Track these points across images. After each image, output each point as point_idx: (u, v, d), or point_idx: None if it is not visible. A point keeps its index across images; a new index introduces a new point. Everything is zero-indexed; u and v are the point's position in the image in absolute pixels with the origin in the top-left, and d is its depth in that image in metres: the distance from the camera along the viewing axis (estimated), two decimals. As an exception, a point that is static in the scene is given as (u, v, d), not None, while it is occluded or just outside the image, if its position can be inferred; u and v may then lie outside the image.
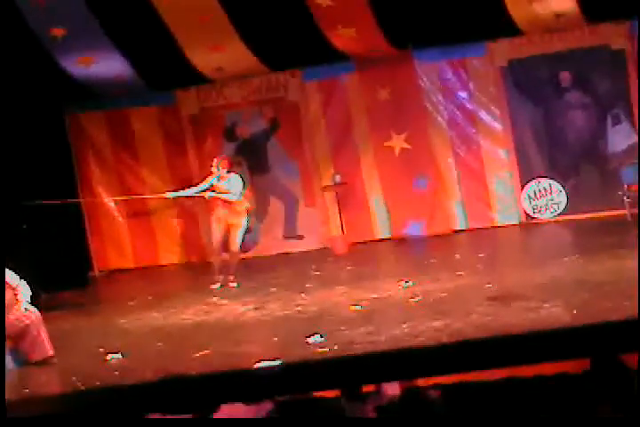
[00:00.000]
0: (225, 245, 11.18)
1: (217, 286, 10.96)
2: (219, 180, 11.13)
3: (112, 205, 14.04)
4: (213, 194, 11.08)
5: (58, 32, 12.00)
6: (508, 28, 12.62)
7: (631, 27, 12.72)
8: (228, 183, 11.09)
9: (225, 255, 11.27)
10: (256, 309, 9.48)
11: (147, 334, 8.96)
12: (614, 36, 12.85)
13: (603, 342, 4.94)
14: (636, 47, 12.49)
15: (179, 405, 4.47)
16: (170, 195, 11.83)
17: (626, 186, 12.60)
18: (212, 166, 11.24)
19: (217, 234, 11.19)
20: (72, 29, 11.99)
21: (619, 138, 12.98)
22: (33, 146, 12.57)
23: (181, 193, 11.57)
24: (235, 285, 10.95)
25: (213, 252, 11.40)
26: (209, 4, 11.83)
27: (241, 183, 11.20)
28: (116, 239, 14.03)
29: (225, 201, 11.04)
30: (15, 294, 8.11)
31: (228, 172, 11.18)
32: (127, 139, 14.11)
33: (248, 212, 11.29)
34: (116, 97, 13.74)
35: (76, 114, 14.11)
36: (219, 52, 12.82)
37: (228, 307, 9.77)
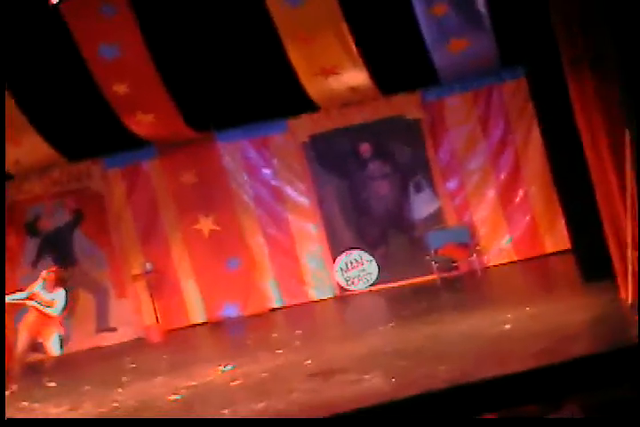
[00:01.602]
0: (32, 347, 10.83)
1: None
2: (43, 289, 10.83)
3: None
4: (36, 304, 10.74)
5: None
6: (306, 104, 12.86)
7: (423, 96, 13.17)
8: (54, 297, 10.83)
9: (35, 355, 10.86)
10: (70, 410, 9.06)
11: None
12: (408, 106, 13.28)
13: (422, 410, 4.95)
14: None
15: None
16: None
17: (433, 251, 12.90)
18: (40, 276, 10.96)
19: (23, 340, 10.80)
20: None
21: (422, 204, 13.32)
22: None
23: (7, 298, 11.04)
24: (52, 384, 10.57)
25: (17, 358, 10.90)
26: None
27: (64, 300, 10.90)
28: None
29: (42, 313, 10.75)
30: None
31: (56, 286, 10.89)
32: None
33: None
34: None
35: None
36: (15, 147, 12.47)
37: (41, 411, 9.29)
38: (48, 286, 10.88)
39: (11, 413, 9.35)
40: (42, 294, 10.83)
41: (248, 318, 13.02)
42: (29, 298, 10.82)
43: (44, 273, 11.04)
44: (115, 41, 11.41)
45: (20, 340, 10.87)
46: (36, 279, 11.06)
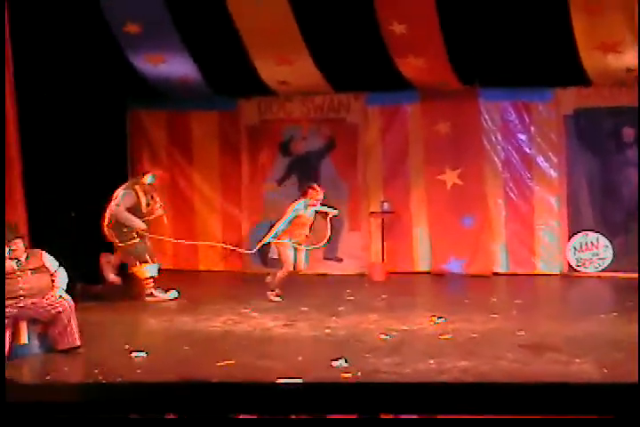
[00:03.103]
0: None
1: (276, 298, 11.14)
2: (305, 209, 11.30)
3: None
4: (317, 208, 11.38)
5: (132, 28, 12.18)
6: (578, 76, 12.61)
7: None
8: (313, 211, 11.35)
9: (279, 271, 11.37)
10: (285, 325, 9.54)
11: (174, 336, 9.04)
12: (683, 98, 12.81)
13: (629, 402, 4.91)
14: None
15: (195, 410, 4.51)
16: (269, 239, 11.54)
17: (673, 249, 12.54)
18: (309, 197, 11.44)
19: (290, 253, 11.24)
20: (146, 27, 12.15)
21: (673, 201, 12.91)
22: (92, 137, 12.70)
23: (281, 227, 11.40)
24: (278, 298, 11.12)
25: (285, 268, 11.34)
26: (284, 16, 11.87)
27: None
28: (158, 239, 14.09)
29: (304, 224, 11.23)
30: (52, 280, 8.25)
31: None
32: (184, 141, 14.26)
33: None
34: (179, 98, 13.89)
35: (137, 111, 14.30)
36: (286, 66, 12.91)
37: (258, 320, 9.83)
38: (310, 203, 11.31)
39: (229, 317, 9.95)
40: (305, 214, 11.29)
41: (470, 277, 13.10)
42: (298, 216, 11.26)
43: (309, 191, 11.45)
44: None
45: (289, 253, 11.26)
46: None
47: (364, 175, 13.81)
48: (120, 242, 11.39)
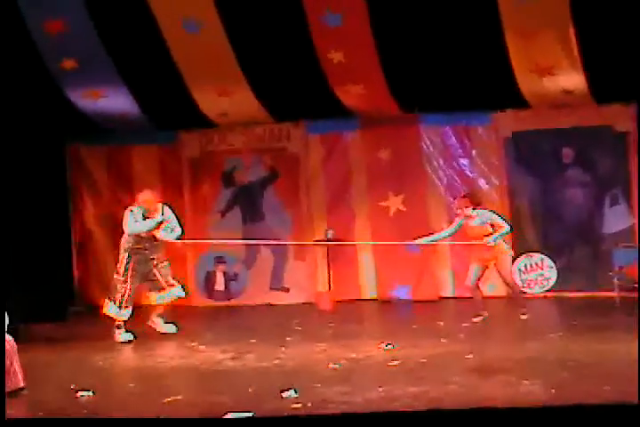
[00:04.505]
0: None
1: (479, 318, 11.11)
2: (465, 220, 11.20)
3: (100, 239, 14.06)
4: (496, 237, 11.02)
5: (68, 64, 12.11)
6: (515, 99, 12.76)
7: (637, 110, 12.87)
8: (481, 219, 11.13)
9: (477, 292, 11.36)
10: (233, 358, 9.45)
11: (120, 373, 8.92)
12: (619, 117, 13.00)
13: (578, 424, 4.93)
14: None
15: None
16: (422, 241, 11.59)
17: (617, 268, 12.67)
18: (455, 208, 11.44)
19: (475, 273, 11.23)
20: (83, 62, 12.09)
21: (615, 219, 13.07)
22: (31, 173, 12.61)
23: (435, 237, 11.54)
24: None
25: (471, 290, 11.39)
26: (221, 48, 11.93)
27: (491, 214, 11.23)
28: (101, 275, 13.98)
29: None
30: None
31: (474, 209, 11.18)
32: (125, 175, 14.18)
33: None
34: (119, 133, 13.82)
35: (77, 146, 14.21)
36: (225, 97, 12.93)
37: (206, 354, 9.73)
38: (467, 214, 11.14)
39: (177, 351, 9.85)
40: (470, 224, 11.15)
41: (417, 303, 13.13)
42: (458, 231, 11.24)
43: (457, 203, 11.46)
44: (340, 10, 11.59)
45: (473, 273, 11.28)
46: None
47: (308, 204, 13.81)
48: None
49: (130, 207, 11.11)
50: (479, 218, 11.08)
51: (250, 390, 7.89)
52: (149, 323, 11.25)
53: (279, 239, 12.03)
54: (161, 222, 10.92)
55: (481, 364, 8.55)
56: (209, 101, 13.07)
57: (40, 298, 11.58)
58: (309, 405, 7.16)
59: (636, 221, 13.00)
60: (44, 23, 11.56)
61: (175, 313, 13.20)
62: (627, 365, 8.08)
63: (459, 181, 13.54)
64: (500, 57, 11.78)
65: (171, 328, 11.25)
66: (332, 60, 12.18)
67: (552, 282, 13.10)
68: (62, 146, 14.09)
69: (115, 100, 12.82)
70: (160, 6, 11.43)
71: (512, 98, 12.69)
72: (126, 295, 10.97)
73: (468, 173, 13.53)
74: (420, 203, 13.53)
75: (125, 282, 10.92)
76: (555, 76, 12.15)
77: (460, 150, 13.57)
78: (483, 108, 13.22)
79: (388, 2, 11.36)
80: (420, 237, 11.53)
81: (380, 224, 13.56)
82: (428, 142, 13.61)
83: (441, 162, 13.60)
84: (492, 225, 11.05)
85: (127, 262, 10.93)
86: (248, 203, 13.84)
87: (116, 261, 11.07)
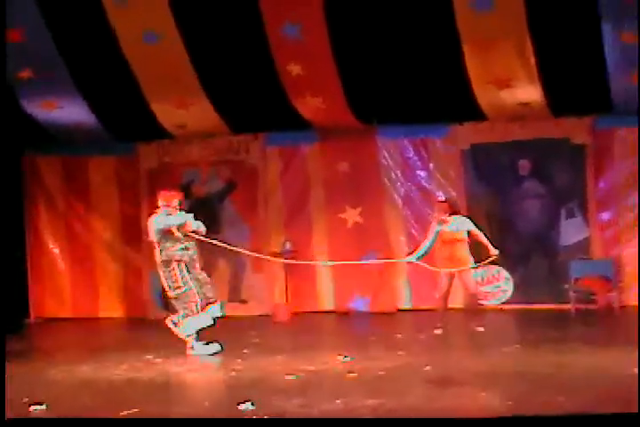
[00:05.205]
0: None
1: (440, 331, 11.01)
2: (441, 225, 11.18)
3: (56, 251, 13.94)
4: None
5: (25, 74, 12.01)
6: (473, 112, 12.82)
7: (593, 123, 12.98)
8: (456, 224, 11.15)
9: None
10: (189, 370, 9.36)
11: (75, 387, 8.79)
12: (576, 130, 13.12)
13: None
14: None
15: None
16: (414, 258, 11.45)
17: (573, 280, 12.75)
18: (434, 211, 11.50)
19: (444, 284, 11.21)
20: (39, 72, 12.00)
21: (570, 232, 13.17)
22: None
23: (424, 249, 11.38)
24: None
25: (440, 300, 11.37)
26: (179, 61, 11.92)
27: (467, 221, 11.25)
28: (56, 287, 13.88)
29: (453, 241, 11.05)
30: None
31: (450, 214, 11.20)
32: (81, 186, 14.09)
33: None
34: (76, 143, 13.71)
35: (33, 156, 14.11)
36: (183, 110, 12.88)
37: (162, 366, 9.64)
38: (443, 218, 11.19)
39: (132, 364, 9.74)
40: (445, 229, 11.17)
41: (375, 315, 13.12)
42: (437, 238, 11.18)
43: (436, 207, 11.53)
44: (299, 21, 11.60)
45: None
46: None
47: (266, 216, 13.77)
48: None
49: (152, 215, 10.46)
50: (454, 223, 11.10)
51: (206, 404, 7.82)
52: (188, 352, 10.44)
53: (237, 252, 11.87)
54: (185, 223, 10.23)
55: (438, 376, 8.52)
56: (167, 113, 13.03)
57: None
58: (266, 417, 7.10)
59: (592, 234, 13.08)
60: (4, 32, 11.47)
61: (132, 326, 13.14)
62: (584, 377, 8.13)
63: (417, 193, 13.54)
64: (457, 69, 11.85)
65: (213, 348, 10.36)
66: (291, 72, 12.18)
67: (509, 294, 13.14)
68: (19, 156, 13.94)
69: (70, 111, 12.74)
70: (119, 18, 11.42)
71: (470, 110, 12.76)
72: (198, 301, 10.29)
73: (426, 185, 13.56)
74: (377, 215, 13.55)
75: (190, 289, 10.25)
76: (512, 88, 12.23)
77: (418, 163, 13.60)
78: (441, 121, 13.28)
79: (346, 14, 11.38)
80: (409, 255, 11.69)
81: (338, 236, 13.56)
82: (386, 155, 13.63)
83: (399, 174, 13.63)
84: (469, 232, 11.08)
85: (180, 271, 10.22)
86: (206, 215, 13.66)
87: (164, 278, 10.36)
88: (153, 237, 10.24)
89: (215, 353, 10.32)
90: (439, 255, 11.28)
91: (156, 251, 10.20)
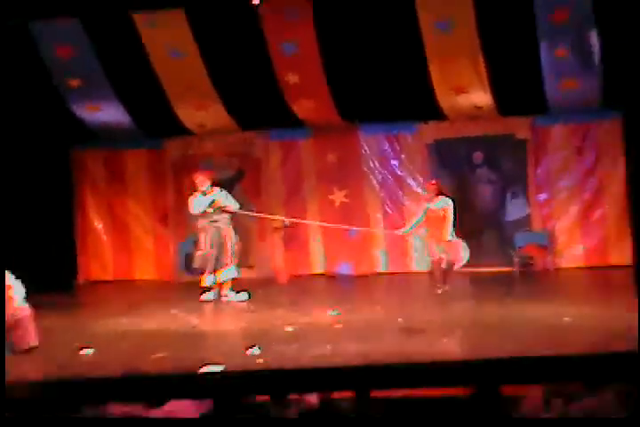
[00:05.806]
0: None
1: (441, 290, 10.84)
2: (429, 203, 11.06)
3: (99, 227, 13.95)
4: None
5: (74, 83, 12.02)
6: (436, 113, 12.82)
7: (533, 121, 13.00)
8: (441, 203, 10.96)
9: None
10: (207, 323, 9.38)
11: (115, 335, 8.82)
12: (519, 127, 13.09)
13: (486, 374, 4.94)
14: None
15: (135, 397, 4.38)
16: (403, 231, 11.56)
17: (517, 248, 12.81)
18: (426, 191, 11.35)
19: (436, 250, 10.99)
20: (85, 82, 12.03)
21: (515, 209, 13.17)
22: (39, 175, 12.52)
23: (412, 225, 11.33)
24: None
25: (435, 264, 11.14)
26: (199, 72, 11.98)
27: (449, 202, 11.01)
28: (100, 255, 13.89)
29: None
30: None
31: (437, 195, 11.05)
32: (119, 174, 14.04)
33: None
34: (115, 139, 13.67)
35: (80, 150, 14.02)
36: (202, 111, 12.88)
37: (185, 319, 9.65)
38: (432, 197, 11.03)
39: (160, 318, 9.75)
40: (433, 208, 10.96)
41: (358, 277, 13.15)
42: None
43: (426, 186, 11.40)
44: (295, 40, 11.62)
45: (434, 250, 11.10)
46: None
47: (268, 198, 13.75)
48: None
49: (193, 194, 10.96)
50: (441, 201, 11.03)
51: (221, 348, 7.86)
52: (223, 299, 10.79)
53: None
54: (214, 201, 10.74)
55: (408, 326, 8.57)
56: (189, 114, 13.01)
57: (49, 272, 11.45)
58: (269, 360, 7.14)
59: (532, 211, 13.13)
60: (55, 48, 11.52)
61: (160, 286, 13.17)
62: (524, 324, 8.19)
63: (391, 179, 13.55)
64: (424, 78, 11.86)
65: (243, 296, 10.87)
66: (289, 81, 12.18)
67: (465, 260, 13.14)
68: (68, 150, 13.92)
69: (110, 113, 12.72)
70: (149, 37, 11.49)
71: (434, 112, 12.75)
72: (213, 260, 10.74)
73: (399, 172, 13.54)
74: (359, 196, 13.53)
75: (210, 253, 10.71)
76: (468, 93, 12.21)
77: (392, 154, 13.56)
78: (410, 120, 13.23)
79: (334, 33, 11.41)
80: (400, 228, 11.65)
81: (328, 213, 13.53)
82: (366, 148, 13.58)
83: (376, 163, 13.58)
84: (444, 210, 10.94)
85: (206, 238, 10.74)
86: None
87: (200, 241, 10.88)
88: (192, 211, 10.81)
89: (245, 300, 10.68)
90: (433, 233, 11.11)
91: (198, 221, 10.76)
